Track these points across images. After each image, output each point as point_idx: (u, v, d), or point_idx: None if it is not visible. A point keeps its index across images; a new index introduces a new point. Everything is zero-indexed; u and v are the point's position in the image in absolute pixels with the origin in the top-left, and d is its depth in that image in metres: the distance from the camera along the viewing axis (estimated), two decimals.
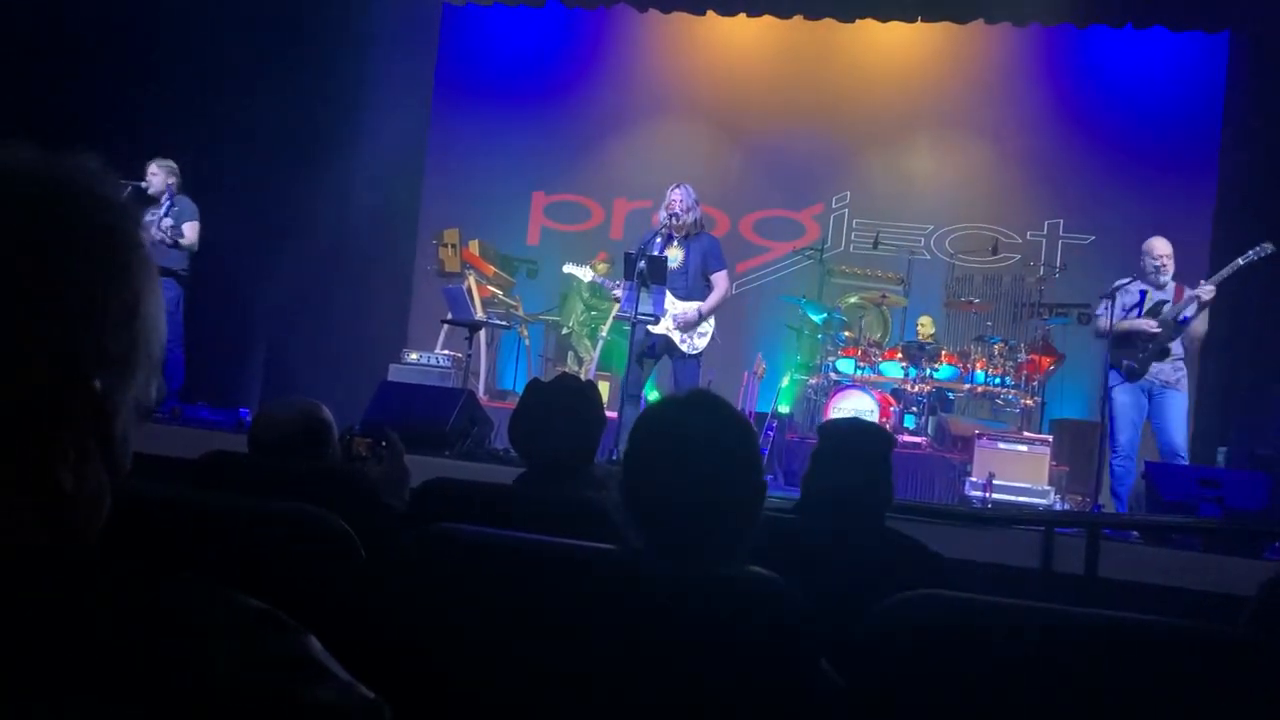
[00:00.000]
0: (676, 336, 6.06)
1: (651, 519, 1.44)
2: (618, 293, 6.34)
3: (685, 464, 1.44)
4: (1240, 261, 5.70)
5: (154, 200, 6.72)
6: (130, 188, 6.48)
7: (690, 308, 6.06)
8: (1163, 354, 5.81)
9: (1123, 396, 5.88)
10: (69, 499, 0.68)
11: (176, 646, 0.61)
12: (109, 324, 0.68)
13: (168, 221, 6.58)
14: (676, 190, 6.13)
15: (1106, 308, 5.94)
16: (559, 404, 2.48)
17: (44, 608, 0.62)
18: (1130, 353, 5.86)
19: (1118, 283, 6.02)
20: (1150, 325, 5.81)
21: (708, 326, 6.14)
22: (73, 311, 0.66)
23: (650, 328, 6.04)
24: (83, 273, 0.67)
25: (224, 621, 0.64)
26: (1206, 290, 5.74)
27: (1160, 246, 5.94)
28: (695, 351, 6.11)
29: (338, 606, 1.41)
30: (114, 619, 0.62)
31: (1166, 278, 5.91)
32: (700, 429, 1.47)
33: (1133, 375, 5.85)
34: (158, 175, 6.70)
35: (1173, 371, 5.85)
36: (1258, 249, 5.68)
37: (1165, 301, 5.87)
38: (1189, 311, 5.78)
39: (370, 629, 1.34)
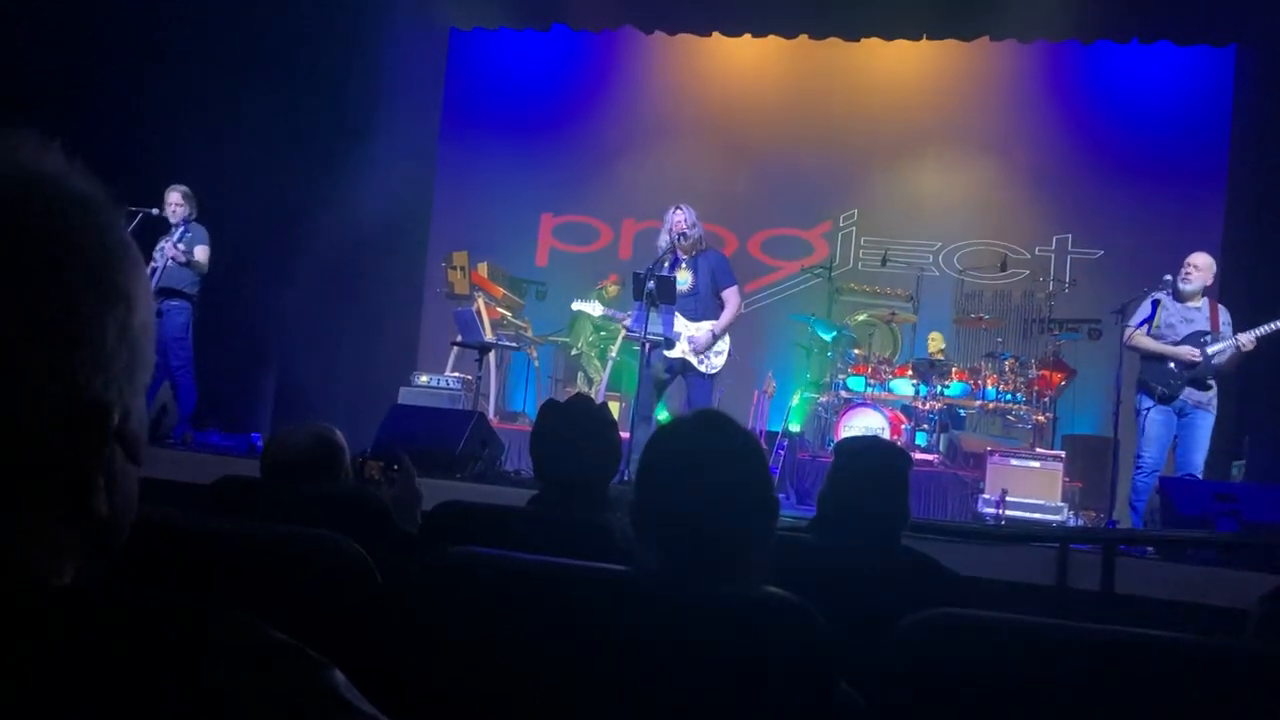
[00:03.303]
0: (694, 359, 6.05)
1: (664, 540, 1.44)
2: (626, 323, 6.34)
3: (696, 484, 1.44)
4: None
5: (168, 226, 6.79)
6: (141, 214, 6.55)
7: (703, 329, 6.05)
8: (1198, 382, 5.78)
9: (1156, 415, 5.85)
10: (103, 523, 0.68)
11: (201, 679, 0.61)
12: (108, 344, 0.66)
13: (180, 246, 6.65)
14: (679, 211, 6.11)
15: (1121, 322, 5.93)
16: (585, 427, 2.47)
17: (70, 637, 0.62)
18: (1162, 376, 5.82)
19: (1143, 295, 6.00)
20: (1193, 355, 5.77)
21: (723, 345, 6.12)
22: (75, 343, 0.64)
23: (666, 352, 6.02)
24: (77, 301, 0.65)
25: (248, 655, 0.64)
26: (1247, 341, 5.70)
27: (1196, 260, 5.90)
28: (713, 370, 6.10)
29: (355, 631, 1.40)
30: (138, 650, 0.62)
31: (1192, 286, 5.87)
32: (709, 449, 1.47)
33: (1165, 400, 5.82)
34: (173, 200, 6.77)
35: (1206, 394, 5.81)
36: None
37: (1206, 333, 5.81)
38: (1221, 358, 5.74)
39: (388, 653, 1.34)
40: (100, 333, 0.66)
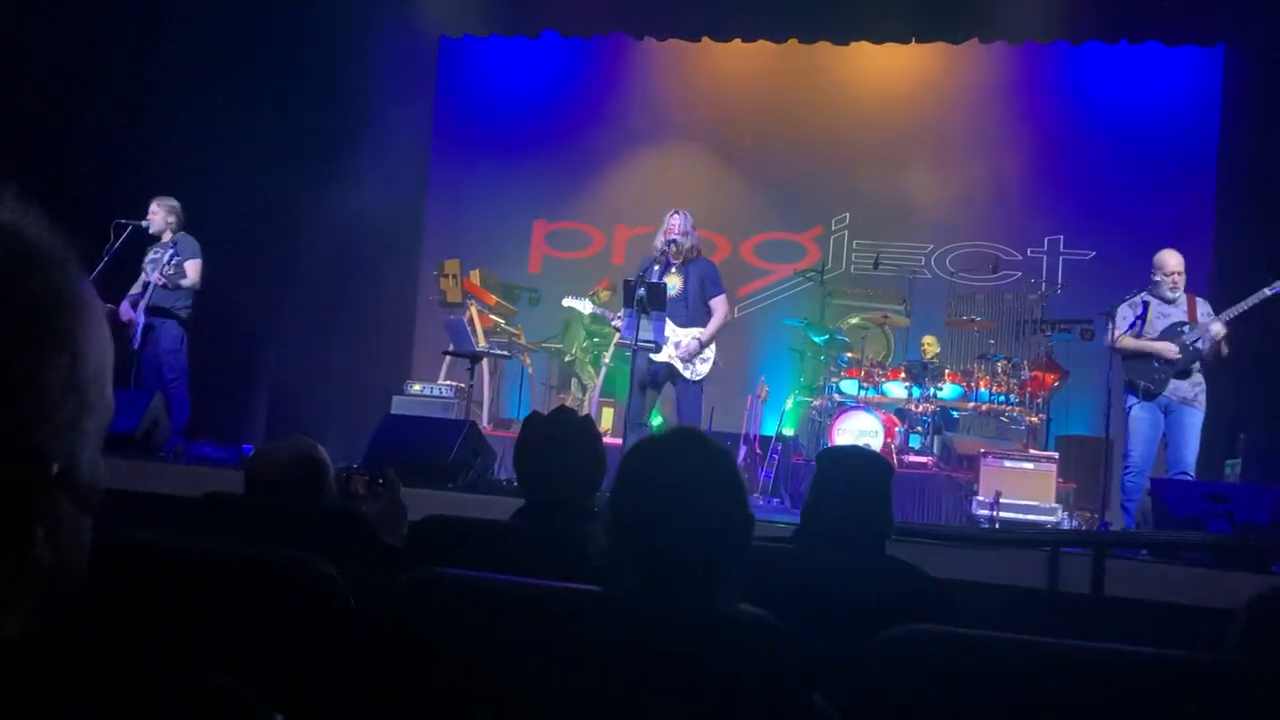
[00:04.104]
0: (679, 364, 6.05)
1: (639, 560, 1.43)
2: (617, 323, 6.34)
3: (670, 503, 1.43)
4: (1267, 292, 5.65)
5: (155, 238, 6.78)
6: (131, 226, 6.54)
7: (691, 335, 6.05)
8: (1183, 374, 5.79)
9: (1141, 413, 5.86)
10: (46, 571, 0.67)
11: None
12: (48, 395, 0.65)
13: (169, 269, 6.63)
14: (675, 216, 6.15)
15: (1111, 325, 5.94)
16: (568, 440, 2.47)
17: (14, 689, 0.61)
18: (1146, 373, 5.83)
19: (1129, 297, 6.01)
20: (1171, 351, 5.78)
21: (710, 352, 6.12)
22: (11, 393, 0.64)
23: (653, 356, 6.03)
24: (13, 352, 0.64)
25: (188, 704, 0.63)
26: (1218, 330, 5.70)
27: (1172, 262, 5.90)
28: (699, 378, 6.10)
29: (328, 653, 1.40)
30: (80, 700, 0.61)
31: (1178, 294, 5.89)
32: (683, 468, 1.46)
33: (1149, 396, 5.83)
34: (158, 214, 6.76)
35: (1191, 388, 5.81)
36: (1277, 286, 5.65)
37: (1184, 323, 5.83)
38: (1202, 344, 5.75)
39: (361, 675, 1.33)
40: (39, 383, 0.65)
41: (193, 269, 6.72)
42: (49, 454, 0.66)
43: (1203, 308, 5.90)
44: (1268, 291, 5.65)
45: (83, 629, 0.68)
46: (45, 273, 0.67)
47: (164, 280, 6.59)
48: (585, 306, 6.79)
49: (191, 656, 0.68)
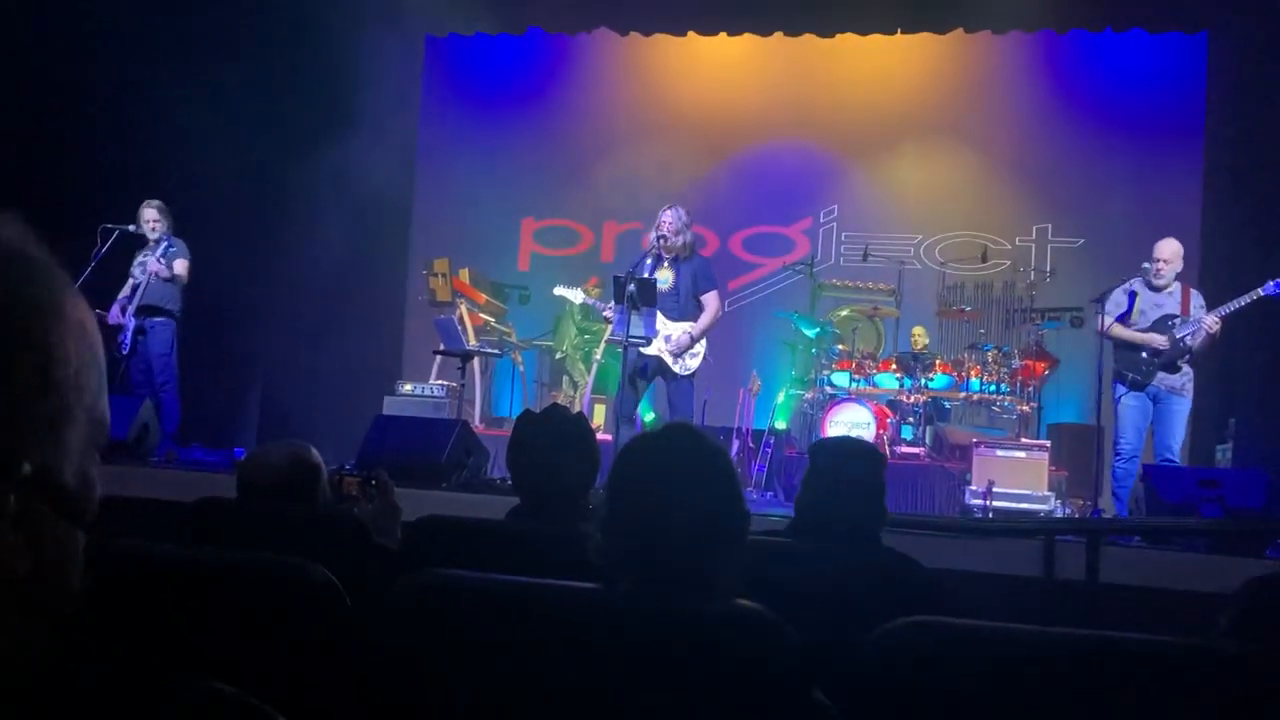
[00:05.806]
0: (669, 358, 6.05)
1: (636, 557, 1.43)
2: (608, 314, 6.33)
3: (666, 500, 1.43)
4: (1260, 292, 5.67)
5: (143, 242, 6.77)
6: (119, 231, 6.53)
7: (682, 329, 6.05)
8: (1170, 367, 5.81)
9: (1130, 401, 5.90)
10: (29, 579, 0.66)
11: None
12: (20, 399, 0.64)
13: (163, 261, 6.64)
14: (668, 211, 6.13)
15: (1099, 311, 5.95)
16: (561, 438, 2.46)
17: (13, 706, 0.61)
18: (1134, 364, 5.85)
19: (1122, 284, 6.03)
20: (1159, 341, 5.80)
21: (700, 347, 6.12)
22: None
23: (642, 350, 6.02)
24: None
25: (191, 711, 0.63)
26: (1212, 322, 5.72)
27: (1161, 249, 5.92)
28: (688, 372, 6.09)
29: (325, 658, 1.39)
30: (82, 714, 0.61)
31: (1164, 280, 5.91)
32: (678, 464, 1.46)
33: (1137, 386, 5.86)
34: (150, 217, 6.74)
35: (1179, 379, 5.84)
36: (1277, 284, 5.65)
37: (1175, 316, 5.84)
38: (1192, 340, 5.77)
39: (359, 681, 1.33)
40: (4, 382, 0.63)
41: (182, 267, 6.74)
42: (19, 455, 0.63)
43: (1196, 300, 5.92)
44: (1260, 292, 5.67)
45: (78, 638, 0.67)
46: (16, 273, 0.66)
47: (159, 269, 6.59)
48: (576, 295, 6.81)
49: (189, 664, 0.67)
